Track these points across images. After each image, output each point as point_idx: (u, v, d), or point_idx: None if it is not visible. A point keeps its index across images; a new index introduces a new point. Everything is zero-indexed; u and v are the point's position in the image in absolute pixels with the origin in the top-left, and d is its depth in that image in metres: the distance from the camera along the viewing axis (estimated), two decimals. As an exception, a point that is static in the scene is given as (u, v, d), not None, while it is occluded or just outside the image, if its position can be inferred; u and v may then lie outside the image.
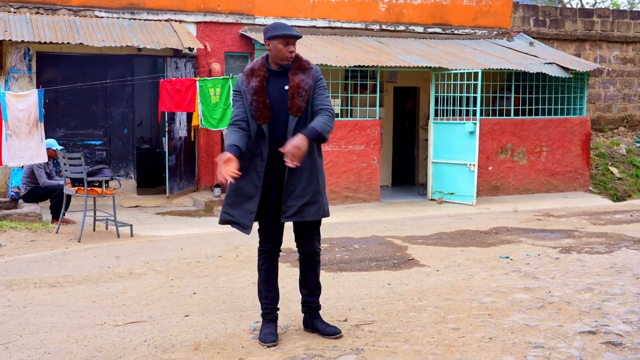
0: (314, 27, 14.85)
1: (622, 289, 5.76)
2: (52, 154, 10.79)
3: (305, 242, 4.65)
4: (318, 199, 4.52)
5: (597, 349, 4.31)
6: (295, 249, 4.77)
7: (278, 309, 4.69)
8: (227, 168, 4.21)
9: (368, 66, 12.84)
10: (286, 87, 4.50)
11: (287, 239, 4.87)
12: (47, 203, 10.90)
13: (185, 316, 5.27)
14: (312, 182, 4.50)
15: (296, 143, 4.22)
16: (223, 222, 4.54)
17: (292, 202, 4.47)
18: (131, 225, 9.98)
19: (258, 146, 4.45)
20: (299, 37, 4.51)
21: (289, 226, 4.60)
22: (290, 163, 4.22)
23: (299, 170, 4.41)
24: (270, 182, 4.49)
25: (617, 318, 4.90)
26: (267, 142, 4.44)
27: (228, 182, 4.34)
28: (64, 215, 10.06)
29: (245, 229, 4.46)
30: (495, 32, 16.48)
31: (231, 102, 4.62)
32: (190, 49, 13.17)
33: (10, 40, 12.06)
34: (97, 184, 9.70)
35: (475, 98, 13.11)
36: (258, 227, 4.63)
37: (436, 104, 13.71)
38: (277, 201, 4.50)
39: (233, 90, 4.62)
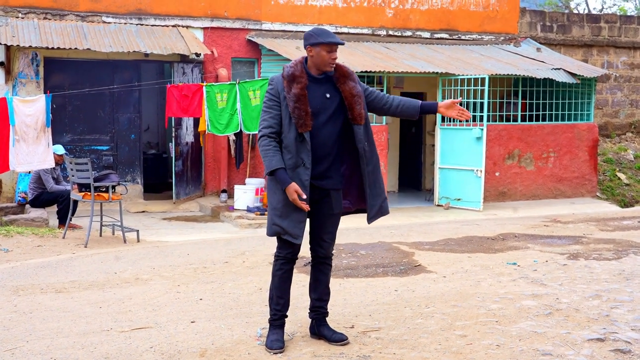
0: (321, 32, 14.82)
1: (631, 295, 5.73)
2: (58, 160, 10.81)
3: (320, 246, 4.65)
4: (385, 194, 4.74)
5: (605, 357, 4.28)
6: (302, 254, 4.75)
7: (287, 316, 4.67)
8: (300, 203, 4.35)
9: (375, 72, 12.83)
10: (327, 95, 4.51)
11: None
12: (54, 208, 10.91)
13: (192, 322, 5.26)
14: (381, 178, 4.68)
15: (454, 104, 4.68)
16: (273, 234, 4.54)
17: (373, 201, 4.63)
18: (137, 231, 9.98)
19: (298, 154, 4.41)
20: (342, 43, 4.51)
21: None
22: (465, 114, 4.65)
23: (370, 171, 4.59)
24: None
25: (626, 325, 4.87)
26: (310, 150, 4.42)
27: (269, 194, 4.54)
28: (70, 220, 10.07)
29: (296, 238, 4.46)
30: (502, 38, 16.46)
31: (264, 106, 4.54)
32: (197, 55, 13.18)
33: (18, 45, 12.09)
34: (103, 189, 9.71)
35: (482, 104, 13.09)
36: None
37: (443, 109, 13.66)
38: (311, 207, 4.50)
39: (269, 93, 4.50)
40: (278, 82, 4.49)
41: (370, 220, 4.68)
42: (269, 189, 4.57)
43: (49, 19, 13.16)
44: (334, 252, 4.80)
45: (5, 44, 12.16)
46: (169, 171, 15.45)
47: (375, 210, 4.64)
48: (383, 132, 13.18)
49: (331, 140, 4.52)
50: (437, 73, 13.31)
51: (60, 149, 10.91)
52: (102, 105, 14.02)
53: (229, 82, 12.38)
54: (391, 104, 4.70)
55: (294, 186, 4.34)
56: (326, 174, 4.53)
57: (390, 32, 15.47)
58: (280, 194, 4.44)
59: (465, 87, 13.23)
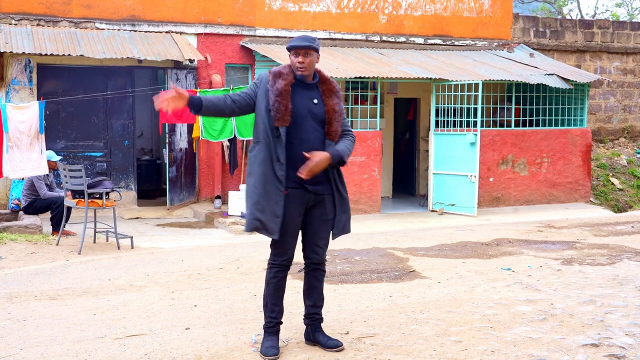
0: (315, 38, 14.84)
1: (625, 301, 5.74)
2: (52, 166, 10.78)
3: (315, 252, 4.65)
4: (350, 214, 4.77)
5: (600, 362, 4.29)
6: (297, 260, 4.75)
7: (282, 322, 4.67)
8: (170, 103, 4.28)
9: (369, 77, 12.86)
10: (315, 101, 4.55)
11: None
12: (48, 215, 10.88)
13: (186, 329, 5.24)
14: (347, 196, 4.70)
15: (319, 162, 4.37)
16: (251, 229, 4.51)
17: (341, 216, 4.64)
18: (131, 237, 9.95)
19: (274, 149, 4.43)
20: (302, 47, 4.48)
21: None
22: (303, 174, 4.36)
23: (340, 186, 4.61)
24: (291, 191, 4.48)
25: (620, 330, 4.88)
26: (284, 146, 4.43)
27: (251, 185, 4.47)
28: (64, 227, 10.04)
29: (273, 233, 4.45)
30: (495, 44, 16.51)
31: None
32: (191, 61, 13.18)
33: (11, 52, 12.08)
34: (97, 196, 9.69)
35: (475, 109, 13.12)
36: (274, 239, 4.55)
37: (437, 115, 13.72)
38: (299, 213, 4.50)
39: (252, 84, 4.58)
40: (264, 75, 4.56)
41: (334, 236, 4.68)
42: (249, 185, 4.54)
43: (42, 26, 13.14)
44: (327, 257, 4.80)
45: (-2, 51, 12.15)
46: (163, 177, 15.44)
47: (341, 227, 4.65)
48: (377, 138, 13.20)
49: (321, 146, 4.52)
50: (430, 79, 13.35)
51: (53, 156, 10.88)
52: (96, 111, 14.00)
53: (222, 88, 12.38)
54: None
55: (182, 90, 4.30)
56: (319, 179, 4.53)
57: (384, 38, 15.50)
58: (260, 187, 4.43)
59: (459, 93, 13.26)
